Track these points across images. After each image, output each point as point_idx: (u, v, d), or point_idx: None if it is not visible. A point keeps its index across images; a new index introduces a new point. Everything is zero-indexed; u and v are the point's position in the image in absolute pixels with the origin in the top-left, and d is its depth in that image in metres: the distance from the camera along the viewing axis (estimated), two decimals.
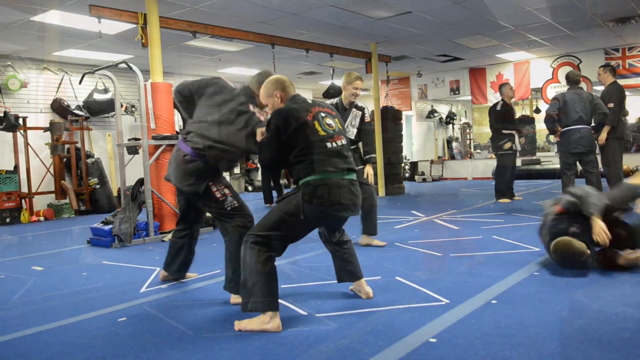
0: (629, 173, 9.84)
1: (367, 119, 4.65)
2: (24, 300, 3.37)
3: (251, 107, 3.14)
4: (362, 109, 4.65)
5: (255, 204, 8.43)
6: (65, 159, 8.96)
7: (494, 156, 12.65)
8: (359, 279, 3.08)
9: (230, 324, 2.64)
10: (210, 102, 3.17)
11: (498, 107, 7.52)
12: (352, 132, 4.60)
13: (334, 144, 2.76)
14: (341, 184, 2.71)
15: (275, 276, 2.63)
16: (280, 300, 2.91)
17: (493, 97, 12.29)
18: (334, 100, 4.65)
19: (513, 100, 8.30)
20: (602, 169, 6.48)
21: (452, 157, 14.57)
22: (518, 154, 7.65)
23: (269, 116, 2.82)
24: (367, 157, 4.64)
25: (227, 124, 3.06)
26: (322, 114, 2.82)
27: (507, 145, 7.40)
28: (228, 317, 2.77)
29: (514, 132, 7.53)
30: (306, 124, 2.72)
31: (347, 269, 3.07)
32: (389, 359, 2.11)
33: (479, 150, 14.83)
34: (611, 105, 6.51)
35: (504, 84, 7.78)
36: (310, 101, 2.88)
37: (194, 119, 3.23)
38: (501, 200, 7.45)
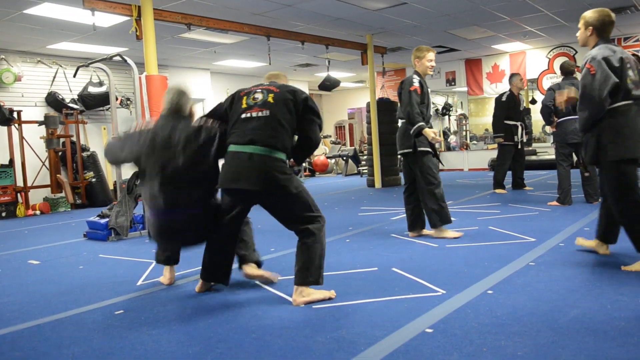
0: None
1: None
2: (20, 294, 3.37)
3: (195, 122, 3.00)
4: None
5: None
6: (60, 153, 8.93)
7: (490, 147, 12.74)
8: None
9: (227, 315, 2.65)
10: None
11: (504, 98, 7.45)
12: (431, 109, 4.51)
13: (249, 115, 2.78)
14: (237, 155, 2.74)
15: (214, 249, 3.03)
16: (277, 292, 2.91)
17: (489, 88, 12.28)
18: (414, 80, 4.44)
19: (521, 91, 8.18)
20: None
21: (449, 149, 14.58)
22: (520, 145, 7.50)
23: None
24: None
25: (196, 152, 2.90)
26: (257, 91, 2.85)
27: (500, 140, 7.37)
28: (225, 309, 2.77)
29: (518, 123, 7.47)
30: (236, 98, 2.90)
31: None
32: (385, 350, 2.11)
33: (475, 142, 14.82)
34: None
35: (515, 74, 7.68)
36: (266, 83, 2.98)
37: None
38: (497, 191, 7.46)
